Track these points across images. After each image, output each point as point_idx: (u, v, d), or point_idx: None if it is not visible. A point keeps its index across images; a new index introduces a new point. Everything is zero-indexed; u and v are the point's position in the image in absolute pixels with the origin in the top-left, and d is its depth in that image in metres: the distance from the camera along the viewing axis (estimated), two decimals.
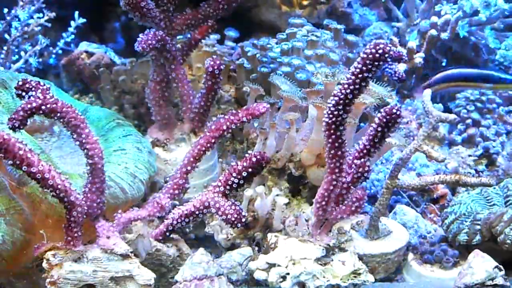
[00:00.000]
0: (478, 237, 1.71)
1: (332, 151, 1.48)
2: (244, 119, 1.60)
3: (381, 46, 1.36)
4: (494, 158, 2.05)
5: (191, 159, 1.62)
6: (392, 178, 1.72)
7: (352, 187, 1.51)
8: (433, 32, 2.17)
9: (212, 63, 1.75)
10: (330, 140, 1.46)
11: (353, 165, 1.49)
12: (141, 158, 1.71)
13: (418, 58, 2.20)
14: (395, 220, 1.84)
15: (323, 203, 1.52)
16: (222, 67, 1.75)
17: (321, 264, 1.53)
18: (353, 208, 1.52)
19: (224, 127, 1.60)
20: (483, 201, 1.82)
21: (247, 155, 1.53)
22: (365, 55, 1.37)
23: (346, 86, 1.39)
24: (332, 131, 1.45)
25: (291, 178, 1.73)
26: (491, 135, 2.11)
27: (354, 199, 1.51)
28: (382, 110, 1.47)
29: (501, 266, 1.56)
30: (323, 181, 1.51)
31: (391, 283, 1.71)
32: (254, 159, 1.52)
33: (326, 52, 1.95)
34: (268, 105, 1.62)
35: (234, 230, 1.72)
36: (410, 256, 1.77)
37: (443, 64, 2.29)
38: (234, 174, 1.53)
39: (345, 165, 1.50)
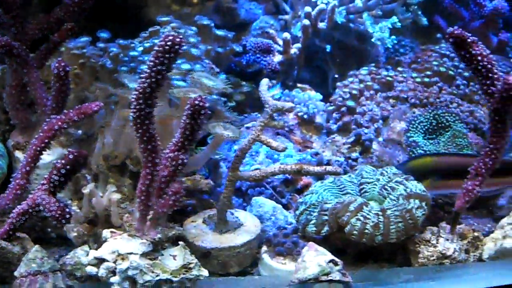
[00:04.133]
0: (326, 228, 1.67)
1: (143, 145, 1.49)
2: (76, 118, 1.61)
3: (171, 38, 1.37)
4: (367, 145, 2.00)
5: (29, 160, 1.64)
6: (234, 170, 1.71)
7: (170, 180, 1.52)
8: (306, 22, 2.14)
9: (57, 65, 1.76)
10: (138, 135, 1.47)
11: (168, 159, 1.50)
12: None
13: (294, 49, 2.18)
14: (251, 213, 1.83)
15: (143, 198, 1.53)
16: (68, 68, 1.77)
17: (149, 259, 1.54)
18: (170, 202, 1.52)
19: (56, 127, 1.61)
20: (335, 190, 1.78)
21: (66, 152, 1.55)
22: (157, 48, 1.38)
23: (143, 80, 1.41)
24: (138, 125, 1.46)
25: (134, 174, 1.74)
26: (364, 122, 2.06)
27: (170, 193, 1.52)
28: (188, 102, 1.47)
29: (337, 260, 1.51)
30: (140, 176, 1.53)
31: (237, 278, 1.68)
32: (71, 156, 1.54)
33: (188, 48, 1.95)
34: (101, 104, 1.64)
35: (83, 227, 1.76)
36: (264, 248, 1.73)
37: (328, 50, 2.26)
38: (54, 172, 1.55)
39: (159, 159, 1.51)
